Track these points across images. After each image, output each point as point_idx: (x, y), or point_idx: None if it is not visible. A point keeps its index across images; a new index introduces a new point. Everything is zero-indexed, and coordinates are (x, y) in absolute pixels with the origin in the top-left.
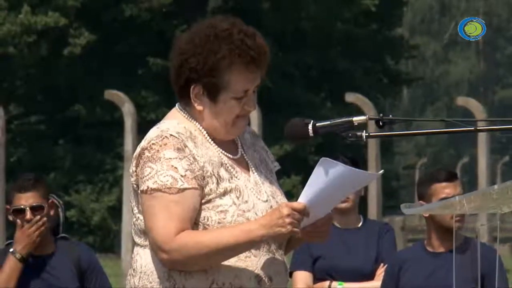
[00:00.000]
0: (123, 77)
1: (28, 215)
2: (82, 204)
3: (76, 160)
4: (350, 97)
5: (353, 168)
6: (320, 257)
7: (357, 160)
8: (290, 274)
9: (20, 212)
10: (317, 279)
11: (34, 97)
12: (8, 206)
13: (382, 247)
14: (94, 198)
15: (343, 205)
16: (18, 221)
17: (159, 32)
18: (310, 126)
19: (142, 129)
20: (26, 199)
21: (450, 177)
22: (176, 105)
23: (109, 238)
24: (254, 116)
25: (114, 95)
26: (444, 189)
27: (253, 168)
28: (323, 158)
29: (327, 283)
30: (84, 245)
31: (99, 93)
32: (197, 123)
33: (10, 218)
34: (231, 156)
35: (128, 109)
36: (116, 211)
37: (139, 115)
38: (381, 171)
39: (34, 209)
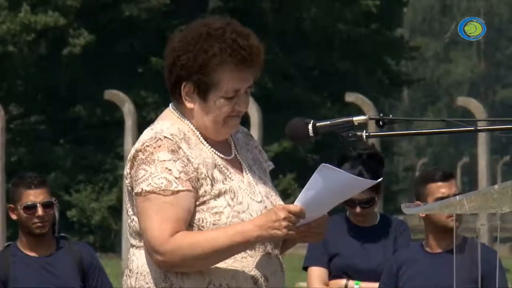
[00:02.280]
0: (123, 77)
1: (40, 211)
2: (83, 204)
3: (76, 160)
4: (350, 97)
5: (353, 176)
6: (336, 254)
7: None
8: (305, 269)
9: (31, 208)
10: (332, 276)
11: (34, 97)
12: (12, 205)
13: (399, 246)
14: (95, 198)
15: (363, 219)
16: None
17: (159, 32)
18: (310, 126)
19: (142, 129)
20: (36, 196)
21: (446, 177)
22: (170, 105)
23: (109, 237)
24: (255, 116)
25: (114, 95)
26: (440, 188)
27: (246, 169)
28: (323, 164)
29: (343, 281)
30: (85, 245)
31: (99, 93)
32: (190, 123)
33: (14, 217)
34: (224, 157)
35: (128, 109)
36: (116, 211)
37: (139, 115)
38: (380, 179)
39: (45, 206)
